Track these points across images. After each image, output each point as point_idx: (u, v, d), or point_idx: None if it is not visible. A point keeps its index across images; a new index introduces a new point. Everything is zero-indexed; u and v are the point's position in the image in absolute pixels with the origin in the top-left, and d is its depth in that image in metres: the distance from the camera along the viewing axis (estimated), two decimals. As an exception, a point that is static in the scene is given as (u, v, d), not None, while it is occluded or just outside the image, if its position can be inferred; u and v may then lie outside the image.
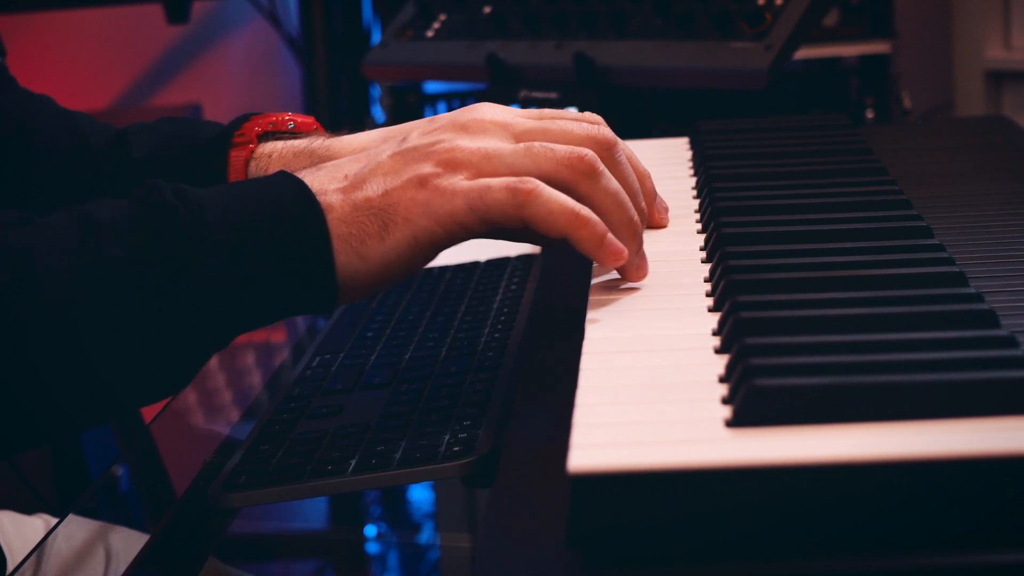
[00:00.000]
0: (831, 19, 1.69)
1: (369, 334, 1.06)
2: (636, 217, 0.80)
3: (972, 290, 0.71)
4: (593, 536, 0.55)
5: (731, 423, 0.59)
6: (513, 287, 1.09)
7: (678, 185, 1.06)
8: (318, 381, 0.97)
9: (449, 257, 1.22)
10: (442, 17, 1.70)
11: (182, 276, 0.74)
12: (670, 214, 0.94)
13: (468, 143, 0.80)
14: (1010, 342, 0.63)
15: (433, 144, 0.80)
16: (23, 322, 0.73)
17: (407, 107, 1.96)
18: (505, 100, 1.57)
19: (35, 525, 1.17)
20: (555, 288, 0.97)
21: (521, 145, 0.80)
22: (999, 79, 1.96)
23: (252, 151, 1.03)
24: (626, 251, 0.79)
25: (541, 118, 0.86)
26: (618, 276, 0.83)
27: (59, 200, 1.08)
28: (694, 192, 1.03)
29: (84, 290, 0.73)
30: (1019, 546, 0.54)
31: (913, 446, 0.55)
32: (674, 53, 1.47)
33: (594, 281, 0.84)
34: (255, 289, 0.76)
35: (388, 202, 0.78)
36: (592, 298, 0.80)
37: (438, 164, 0.79)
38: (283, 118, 1.05)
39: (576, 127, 0.82)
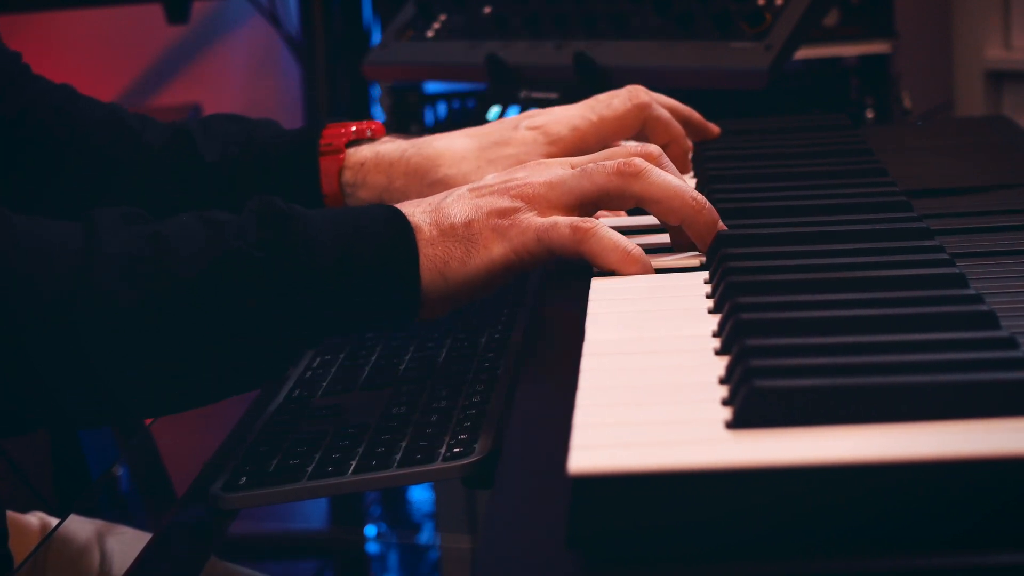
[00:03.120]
0: (831, 19, 1.69)
1: (369, 334, 1.06)
2: (697, 195, 0.86)
3: (972, 291, 0.71)
4: (593, 537, 0.55)
5: (731, 424, 0.59)
6: (513, 287, 1.09)
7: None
8: (318, 381, 0.97)
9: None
10: (442, 17, 1.70)
11: (295, 271, 0.81)
12: None
13: (537, 178, 0.88)
14: (1010, 343, 0.63)
15: (508, 181, 0.89)
16: (170, 295, 0.80)
17: (407, 107, 1.95)
18: (505, 100, 1.57)
19: (31, 523, 1.17)
20: (555, 288, 0.97)
21: (578, 169, 0.88)
22: (999, 79, 1.96)
23: (343, 160, 1.08)
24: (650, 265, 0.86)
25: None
26: (618, 276, 0.84)
27: (105, 197, 1.09)
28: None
29: (219, 270, 0.80)
30: (1019, 546, 0.54)
31: (913, 447, 0.55)
32: (674, 53, 1.46)
33: (594, 281, 0.84)
34: (351, 296, 0.83)
35: (471, 231, 0.86)
36: (592, 298, 0.80)
37: (514, 198, 0.87)
38: (362, 127, 1.11)
39: (622, 148, 0.92)
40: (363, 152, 1.08)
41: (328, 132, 1.09)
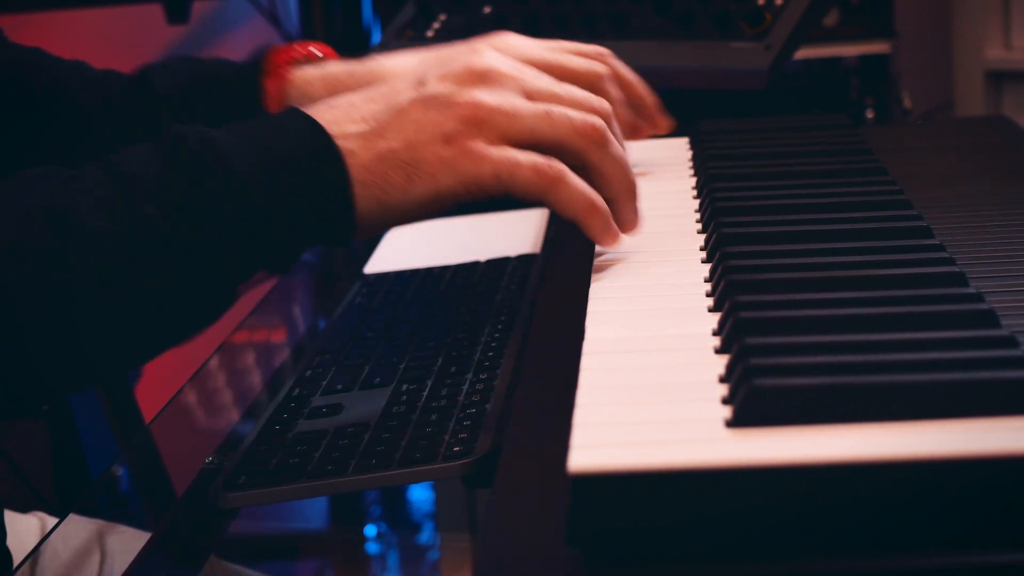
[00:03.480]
0: (831, 19, 1.69)
1: (369, 334, 1.06)
2: (635, 179, 0.85)
3: (972, 290, 0.71)
4: (593, 535, 0.55)
5: (731, 423, 0.59)
6: (513, 287, 1.09)
7: (678, 185, 1.06)
8: (318, 381, 0.97)
9: (449, 257, 1.22)
10: (442, 17, 1.70)
11: (214, 228, 0.77)
12: (669, 214, 0.95)
13: (489, 98, 0.82)
14: (1010, 342, 0.63)
15: (453, 95, 0.82)
16: (63, 285, 0.75)
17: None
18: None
19: (31, 523, 1.17)
20: (555, 287, 0.97)
21: (542, 108, 0.83)
22: (999, 79, 1.96)
23: (287, 79, 1.06)
24: (621, 236, 0.85)
25: (551, 51, 0.97)
26: (619, 275, 0.84)
27: (80, 147, 1.09)
28: (694, 192, 1.03)
29: (123, 248, 0.76)
30: (1019, 546, 0.54)
31: (913, 446, 0.55)
32: (674, 53, 1.46)
33: (594, 281, 0.84)
34: (281, 232, 0.79)
35: (413, 156, 0.81)
36: (592, 297, 0.80)
37: (461, 120, 0.81)
38: (307, 48, 1.08)
39: (583, 96, 0.86)
40: (309, 72, 1.06)
41: (274, 55, 1.07)
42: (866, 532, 0.55)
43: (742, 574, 0.54)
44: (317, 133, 0.80)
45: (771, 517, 0.55)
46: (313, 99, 1.03)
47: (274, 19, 2.69)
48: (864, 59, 1.73)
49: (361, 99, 0.83)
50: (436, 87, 0.83)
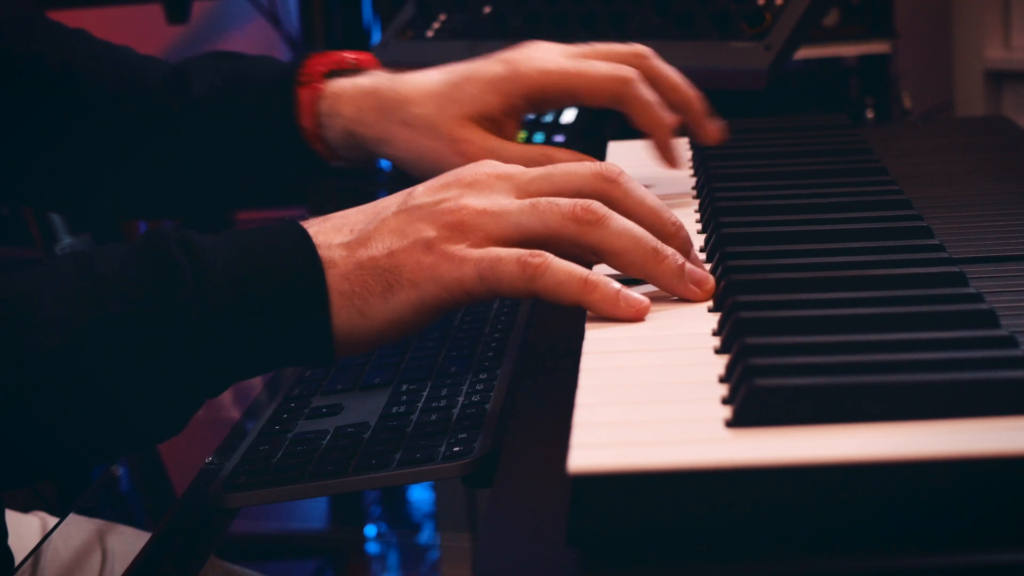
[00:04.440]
0: (831, 19, 1.69)
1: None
2: (659, 244, 0.78)
3: (972, 290, 0.71)
4: (593, 535, 0.55)
5: (731, 423, 0.59)
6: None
7: (678, 186, 1.06)
8: (318, 381, 0.97)
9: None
10: (442, 17, 1.70)
11: (181, 332, 0.74)
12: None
13: (474, 202, 0.78)
14: (1010, 342, 0.63)
15: (439, 203, 0.79)
16: (11, 374, 0.73)
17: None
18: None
19: (31, 523, 1.17)
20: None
21: (527, 202, 0.78)
22: (999, 79, 1.96)
23: (320, 90, 1.05)
24: (645, 301, 0.76)
25: (575, 56, 0.94)
26: (618, 274, 0.84)
27: (111, 137, 1.09)
28: (694, 192, 1.03)
29: (81, 340, 0.73)
30: (1019, 546, 0.54)
31: (913, 446, 0.55)
32: (674, 53, 1.46)
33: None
34: (253, 345, 0.76)
35: (393, 263, 0.77)
36: (592, 298, 0.80)
37: (444, 227, 0.78)
38: (344, 56, 1.07)
39: (579, 168, 0.80)
40: (341, 83, 1.05)
41: (310, 62, 1.06)
42: (866, 532, 0.55)
43: (742, 574, 0.54)
44: (302, 242, 0.78)
45: (771, 517, 0.55)
46: (340, 115, 1.05)
47: (274, 19, 2.69)
48: (864, 59, 1.73)
49: (353, 211, 0.81)
50: (422, 198, 0.80)
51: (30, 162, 1.10)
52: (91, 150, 1.10)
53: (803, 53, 1.64)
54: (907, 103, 1.72)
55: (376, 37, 2.62)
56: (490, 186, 0.80)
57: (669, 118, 1.00)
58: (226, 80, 1.08)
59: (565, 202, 0.78)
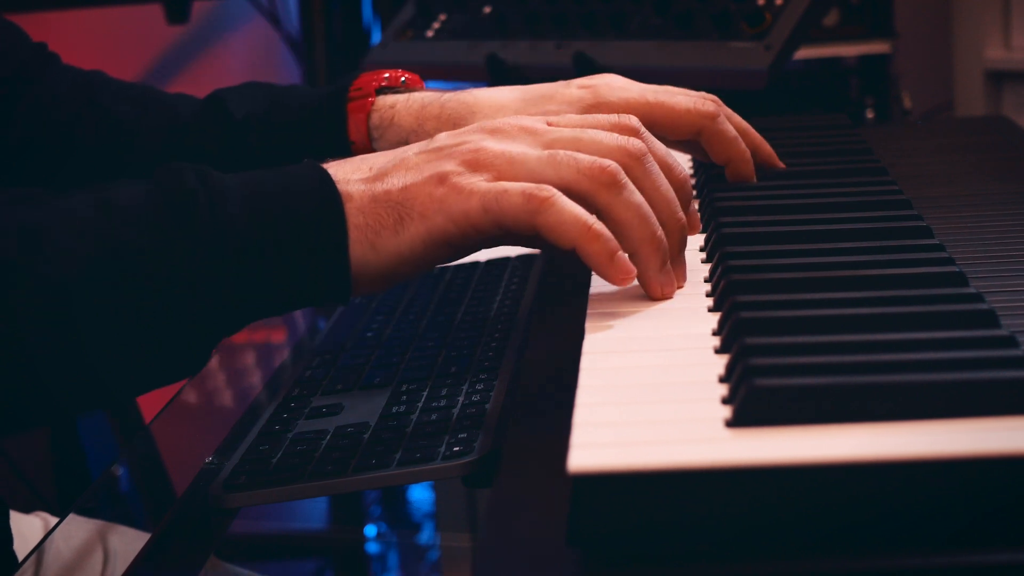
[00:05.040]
0: (831, 19, 1.69)
1: (369, 334, 1.06)
2: (659, 232, 0.78)
3: (972, 290, 0.71)
4: (593, 535, 0.55)
5: (731, 423, 0.59)
6: (513, 287, 1.09)
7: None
8: (318, 381, 0.97)
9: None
10: (442, 17, 1.70)
11: (198, 263, 0.74)
12: None
13: (494, 145, 0.79)
14: (1010, 342, 0.63)
15: (459, 144, 0.79)
16: (23, 302, 0.72)
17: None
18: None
19: (33, 524, 1.17)
20: (555, 288, 0.97)
21: (546, 152, 0.78)
22: (999, 79, 1.96)
23: (372, 104, 1.03)
24: (635, 271, 0.77)
25: (652, 92, 0.94)
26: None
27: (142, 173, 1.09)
28: (694, 192, 1.03)
29: (92, 271, 0.73)
30: (1019, 546, 0.54)
31: (913, 446, 0.55)
32: (674, 53, 1.46)
33: (594, 281, 0.84)
34: (270, 277, 0.76)
35: (406, 196, 0.77)
36: (592, 298, 0.80)
37: (461, 163, 0.78)
38: (396, 74, 1.05)
39: (606, 137, 0.80)
40: (395, 96, 1.04)
41: (360, 79, 1.05)
42: (866, 532, 0.55)
43: (742, 574, 0.54)
44: (320, 176, 0.78)
45: (771, 517, 0.55)
46: (396, 125, 1.02)
47: (274, 19, 2.69)
48: (864, 59, 1.73)
49: (376, 155, 0.81)
50: (443, 140, 0.80)
51: None
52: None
53: (803, 53, 1.64)
54: (907, 103, 1.73)
55: (376, 37, 2.62)
56: (513, 135, 0.80)
57: (748, 153, 0.99)
58: (267, 102, 1.07)
59: (584, 158, 0.78)
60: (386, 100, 1.04)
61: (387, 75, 1.05)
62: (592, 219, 0.76)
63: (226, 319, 0.77)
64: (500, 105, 1.00)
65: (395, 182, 0.78)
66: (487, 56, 1.59)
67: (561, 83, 1.01)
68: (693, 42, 1.45)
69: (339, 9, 2.60)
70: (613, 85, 1.00)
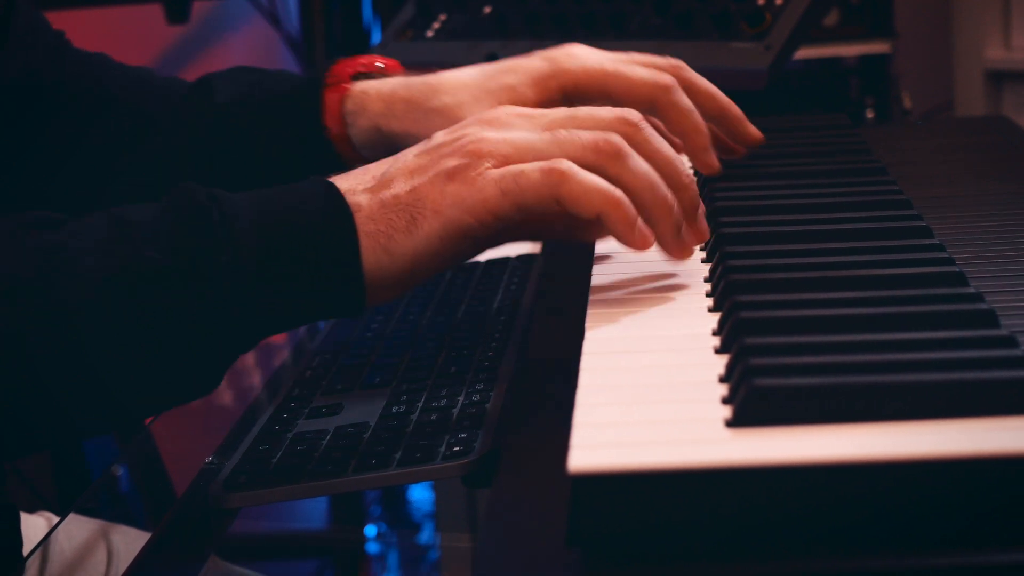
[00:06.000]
0: (831, 19, 1.69)
1: (369, 334, 1.06)
2: (670, 195, 0.79)
3: (972, 290, 0.71)
4: (593, 535, 0.55)
5: (731, 423, 0.59)
6: (513, 287, 1.09)
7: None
8: (318, 381, 0.97)
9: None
10: (442, 17, 1.70)
11: (214, 279, 0.74)
12: None
13: (494, 134, 0.79)
14: (1010, 342, 0.63)
15: (458, 139, 0.80)
16: (45, 321, 0.73)
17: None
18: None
19: (37, 524, 1.17)
20: (555, 288, 0.97)
21: (547, 134, 0.79)
22: (999, 79, 1.96)
23: (347, 91, 1.04)
24: (652, 238, 0.78)
25: (613, 61, 0.95)
26: (619, 275, 0.84)
27: (145, 152, 1.09)
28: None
29: (111, 290, 0.73)
30: (1019, 546, 0.54)
31: (913, 446, 0.55)
32: (674, 53, 1.46)
33: (594, 281, 0.84)
34: (284, 293, 0.76)
35: (416, 197, 0.77)
36: (592, 298, 0.80)
37: (465, 156, 0.78)
38: (371, 60, 1.06)
39: (602, 111, 0.81)
40: (368, 83, 1.05)
41: (336, 67, 1.06)
42: (866, 532, 0.55)
43: (742, 574, 0.54)
44: (328, 189, 0.78)
45: (771, 517, 0.55)
46: (368, 111, 1.03)
47: (274, 19, 2.69)
48: (864, 59, 1.73)
49: (374, 164, 0.82)
50: (441, 138, 0.81)
51: (70, 184, 1.10)
52: (128, 167, 1.10)
53: (803, 53, 1.64)
54: (907, 103, 1.73)
55: (376, 37, 2.62)
56: (511, 123, 0.81)
57: (704, 126, 1.00)
58: (250, 86, 1.08)
59: (586, 134, 0.79)
60: (360, 86, 1.04)
61: (363, 62, 1.06)
62: (612, 187, 0.77)
63: (240, 337, 0.78)
64: (462, 83, 1.01)
65: (402, 186, 0.78)
66: (487, 56, 1.59)
67: (522, 56, 1.02)
68: (693, 42, 1.45)
69: (339, 9, 2.60)
70: (573, 53, 1.00)
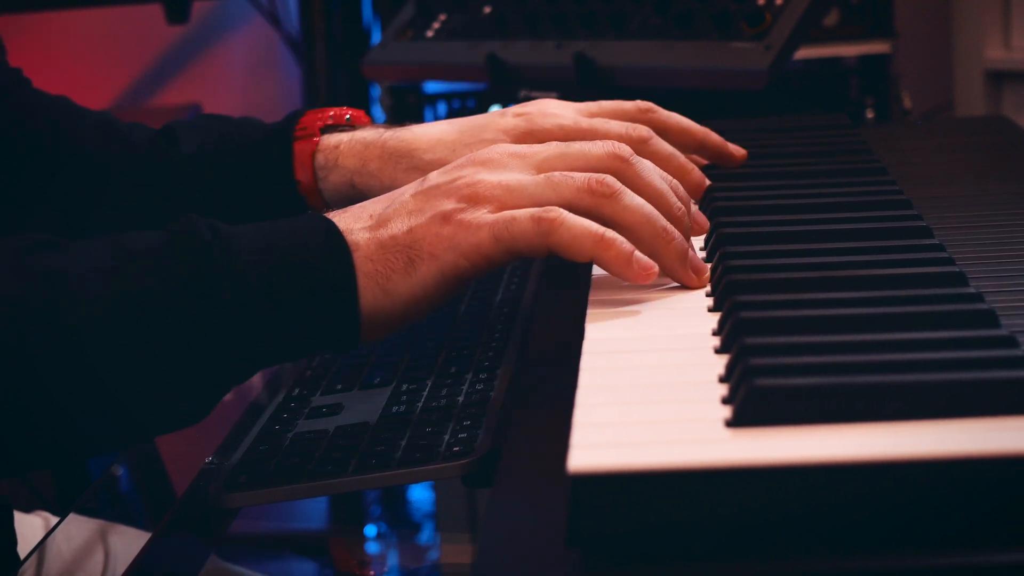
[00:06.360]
0: (831, 19, 1.69)
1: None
2: (668, 225, 0.80)
3: (972, 290, 0.71)
4: (593, 535, 0.55)
5: (731, 423, 0.59)
6: (513, 287, 1.09)
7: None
8: (318, 381, 0.97)
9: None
10: (442, 17, 1.70)
11: (212, 311, 0.75)
12: None
13: (488, 176, 0.81)
14: (1010, 342, 0.63)
15: (454, 180, 0.81)
16: (49, 345, 0.74)
17: (407, 107, 1.95)
18: (505, 100, 1.57)
19: (34, 523, 1.17)
20: (555, 288, 0.97)
21: (542, 176, 0.81)
22: (999, 79, 1.96)
23: (317, 144, 1.05)
24: (656, 267, 0.79)
25: (586, 119, 0.95)
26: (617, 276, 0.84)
27: (100, 201, 1.08)
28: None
29: (114, 317, 0.74)
30: (1019, 546, 0.54)
31: (913, 446, 0.55)
32: (674, 53, 1.47)
33: (594, 281, 0.84)
34: (282, 329, 0.77)
35: (413, 239, 0.79)
36: (592, 298, 0.80)
37: (461, 199, 0.80)
38: (340, 112, 1.07)
39: (592, 147, 0.83)
40: (339, 136, 1.05)
41: (305, 118, 1.06)
42: (866, 532, 0.55)
43: (742, 574, 0.54)
44: (327, 227, 0.79)
45: (771, 517, 0.55)
46: (340, 167, 1.03)
47: (274, 19, 2.69)
48: (864, 59, 1.73)
49: (371, 202, 0.83)
50: (437, 179, 0.82)
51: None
52: (82, 217, 1.09)
53: (803, 53, 1.64)
54: (907, 103, 1.73)
55: (376, 37, 2.62)
56: (504, 164, 0.82)
57: (688, 163, 1.00)
58: (218, 137, 1.08)
59: (579, 175, 0.80)
60: (331, 140, 1.05)
61: (332, 113, 1.07)
62: (602, 228, 0.78)
63: (235, 369, 0.79)
64: (436, 139, 1.02)
65: (399, 226, 0.79)
66: (487, 56, 1.59)
67: (496, 112, 1.03)
68: (693, 42, 1.45)
69: (339, 9, 2.60)
70: (546, 112, 1.02)
